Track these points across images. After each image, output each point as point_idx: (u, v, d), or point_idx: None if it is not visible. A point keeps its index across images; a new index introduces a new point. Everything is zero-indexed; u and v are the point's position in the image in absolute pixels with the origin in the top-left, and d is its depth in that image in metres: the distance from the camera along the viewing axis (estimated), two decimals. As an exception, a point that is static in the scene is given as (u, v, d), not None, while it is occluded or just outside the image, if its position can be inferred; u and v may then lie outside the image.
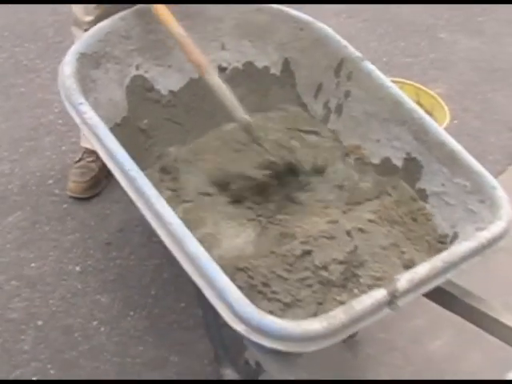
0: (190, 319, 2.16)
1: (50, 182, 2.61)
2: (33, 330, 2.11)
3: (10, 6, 3.55)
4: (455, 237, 1.73)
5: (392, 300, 1.40)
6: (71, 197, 2.54)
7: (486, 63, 3.56)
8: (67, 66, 1.78)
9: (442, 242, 1.76)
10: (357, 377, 2.15)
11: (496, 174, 2.91)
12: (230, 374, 1.87)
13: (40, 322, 2.13)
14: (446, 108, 2.56)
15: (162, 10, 1.93)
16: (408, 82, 2.70)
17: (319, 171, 1.91)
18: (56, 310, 2.18)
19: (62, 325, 2.13)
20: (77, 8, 2.30)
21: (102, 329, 2.13)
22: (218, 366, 1.91)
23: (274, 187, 1.84)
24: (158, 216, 1.45)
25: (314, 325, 1.29)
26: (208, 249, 1.43)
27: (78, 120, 1.68)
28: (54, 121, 2.81)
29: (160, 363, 2.05)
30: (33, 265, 2.30)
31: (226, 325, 1.33)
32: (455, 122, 3.14)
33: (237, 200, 1.83)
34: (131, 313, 2.19)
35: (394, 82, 2.61)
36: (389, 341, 2.24)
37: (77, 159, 2.56)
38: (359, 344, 2.21)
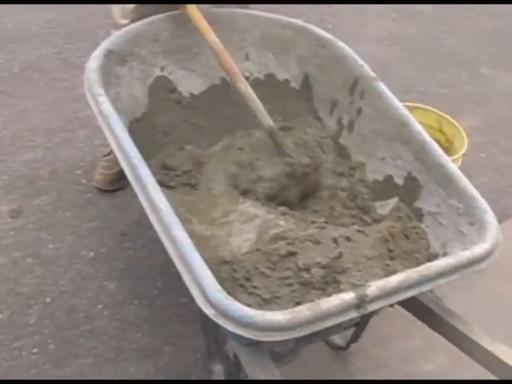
0: (190, 314, 2.25)
1: (79, 171, 2.75)
2: (40, 306, 2.23)
3: (67, 5, 3.75)
4: (445, 256, 1.78)
5: (361, 304, 1.45)
6: (96, 188, 2.67)
7: (523, 101, 3.58)
8: (93, 61, 1.91)
9: (431, 260, 1.81)
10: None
11: (517, 210, 2.94)
12: (219, 369, 1.94)
13: (48, 299, 2.26)
14: (465, 138, 2.60)
15: (195, 13, 2.05)
16: (431, 109, 2.75)
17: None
18: (65, 290, 2.30)
19: (69, 304, 2.26)
20: (115, 11, 2.43)
21: (105, 313, 2.25)
22: (208, 361, 1.99)
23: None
24: (151, 202, 1.55)
25: (278, 316, 1.35)
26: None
27: (95, 109, 1.80)
28: (90, 115, 2.93)
29: (154, 352, 2.15)
30: (50, 246, 2.44)
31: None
32: (482, 155, 3.18)
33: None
34: (135, 301, 2.30)
35: (416, 108, 2.71)
36: (382, 358, 2.28)
37: (106, 153, 2.68)
38: (351, 356, 2.26)
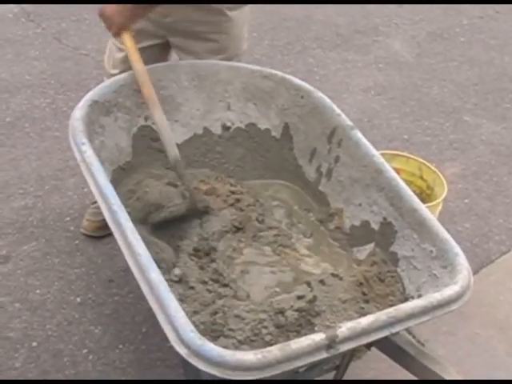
0: (174, 358, 2.27)
1: (68, 219, 2.81)
2: (26, 350, 2.28)
3: (59, 54, 3.87)
4: (419, 299, 1.83)
5: (331, 345, 1.50)
6: (84, 234, 2.73)
7: (506, 148, 3.65)
8: (78, 111, 1.99)
9: (405, 303, 1.86)
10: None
11: (500, 254, 2.99)
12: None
13: (34, 344, 2.30)
14: (445, 184, 2.66)
15: (128, 41, 2.11)
16: (412, 156, 2.82)
17: None
18: (51, 334, 2.34)
19: (54, 348, 2.30)
20: (107, 61, 2.53)
21: (90, 357, 2.28)
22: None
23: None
24: (129, 246, 1.60)
25: (249, 356, 1.40)
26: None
27: (78, 158, 1.87)
28: (80, 164, 3.02)
29: (138, 395, 2.19)
30: (37, 291, 2.49)
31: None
32: (466, 201, 3.25)
33: None
34: (120, 346, 2.33)
35: (398, 155, 2.79)
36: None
37: (93, 200, 2.74)
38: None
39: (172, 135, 2.04)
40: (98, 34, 4.00)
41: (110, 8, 2.10)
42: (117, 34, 2.14)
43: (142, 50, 2.21)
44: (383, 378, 2.35)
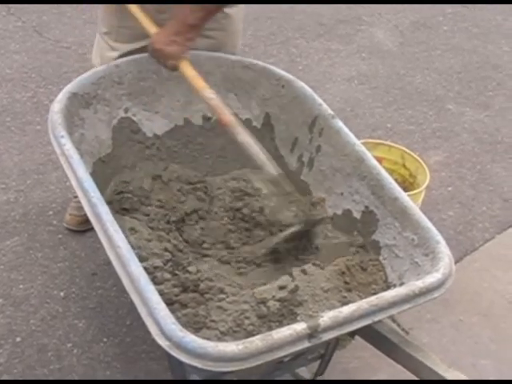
0: (158, 351, 2.26)
1: (50, 213, 2.79)
2: (10, 346, 2.26)
3: (40, 47, 3.85)
4: (401, 287, 1.83)
5: (313, 334, 1.49)
6: (67, 228, 2.71)
7: (489, 136, 3.66)
8: (57, 103, 1.97)
9: (388, 291, 1.86)
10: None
11: (483, 242, 3.00)
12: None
13: (18, 339, 2.29)
14: (427, 172, 2.67)
15: (188, 70, 2.06)
16: (395, 145, 2.82)
17: None
18: (35, 329, 2.33)
19: (39, 343, 2.29)
20: (95, 58, 2.42)
21: (75, 351, 2.28)
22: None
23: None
24: (110, 239, 1.59)
25: (231, 347, 1.40)
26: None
27: (58, 151, 1.86)
28: (62, 158, 3.00)
29: (124, 389, 2.18)
30: (21, 286, 2.47)
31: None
32: (449, 189, 3.26)
33: None
34: (104, 339, 2.33)
35: (380, 144, 2.79)
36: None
37: (76, 194, 2.72)
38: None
39: (263, 154, 1.99)
40: (79, 27, 3.98)
41: (158, 40, 2.06)
42: (175, 68, 2.08)
43: (135, 52, 2.20)
44: (367, 367, 2.36)
